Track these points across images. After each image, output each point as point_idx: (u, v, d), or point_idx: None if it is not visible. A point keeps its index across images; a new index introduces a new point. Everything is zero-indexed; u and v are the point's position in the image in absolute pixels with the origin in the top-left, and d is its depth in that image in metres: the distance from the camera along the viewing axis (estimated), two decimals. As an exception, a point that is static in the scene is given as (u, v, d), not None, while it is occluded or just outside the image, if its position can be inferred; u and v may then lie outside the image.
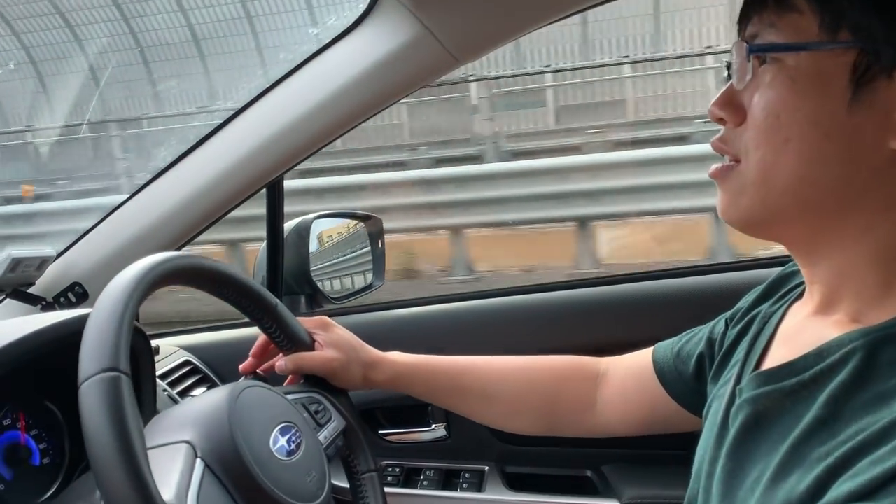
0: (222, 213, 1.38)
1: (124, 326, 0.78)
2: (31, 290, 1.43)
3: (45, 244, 1.43)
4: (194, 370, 1.43)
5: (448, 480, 1.53)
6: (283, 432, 0.95)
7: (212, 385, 1.51)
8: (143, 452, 0.72)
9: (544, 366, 1.18)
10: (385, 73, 1.20)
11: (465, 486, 1.50)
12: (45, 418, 1.16)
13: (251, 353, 1.16)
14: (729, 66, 0.75)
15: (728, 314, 0.99)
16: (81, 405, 0.73)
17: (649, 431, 1.12)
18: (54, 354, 1.05)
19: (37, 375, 1.12)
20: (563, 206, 6.35)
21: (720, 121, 0.76)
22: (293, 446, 0.94)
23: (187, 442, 0.85)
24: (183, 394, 1.35)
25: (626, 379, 1.13)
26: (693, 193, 5.81)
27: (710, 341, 1.00)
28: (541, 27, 1.22)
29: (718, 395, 0.86)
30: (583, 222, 6.34)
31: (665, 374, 1.06)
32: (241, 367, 1.15)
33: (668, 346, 1.09)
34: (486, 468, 1.52)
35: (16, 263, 1.36)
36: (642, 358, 1.11)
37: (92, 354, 0.75)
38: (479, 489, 1.50)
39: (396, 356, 1.18)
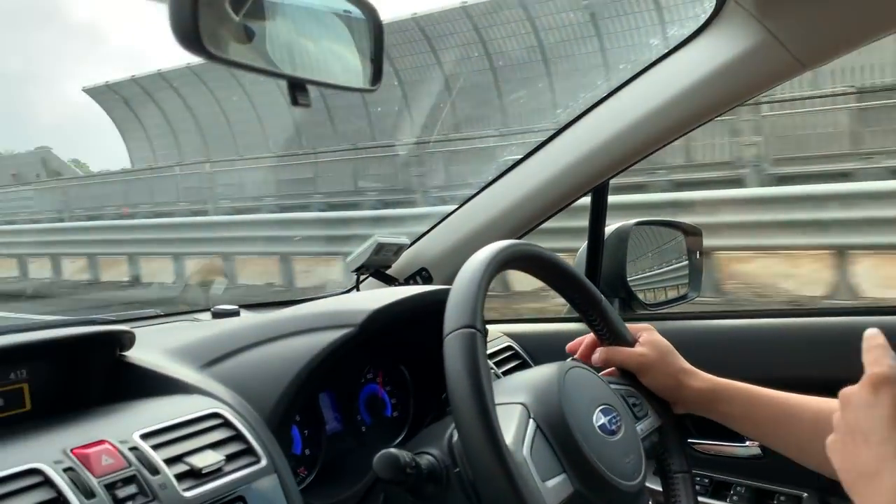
0: (554, 211, 1.50)
1: (481, 293, 0.91)
2: (388, 272, 1.69)
3: (402, 235, 1.69)
4: (515, 355, 1.57)
5: (760, 501, 1.47)
6: (604, 413, 1.01)
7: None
8: (492, 397, 0.84)
9: None
10: (726, 79, 1.21)
11: (779, 510, 1.43)
12: (397, 379, 1.36)
13: (584, 342, 1.23)
14: None
15: None
16: (445, 354, 0.87)
17: None
18: (408, 325, 1.24)
19: (392, 343, 1.32)
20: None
21: None
22: (614, 427, 1.01)
23: (522, 404, 0.96)
24: (505, 373, 1.49)
25: None
26: None
27: None
28: (891, 34, 1.14)
29: None
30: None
31: None
32: (568, 345, 1.24)
33: None
34: (805, 495, 1.43)
35: (380, 247, 1.62)
36: None
37: (455, 313, 0.89)
38: (795, 516, 1.42)
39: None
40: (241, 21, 0.70)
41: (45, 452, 0.79)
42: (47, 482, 0.75)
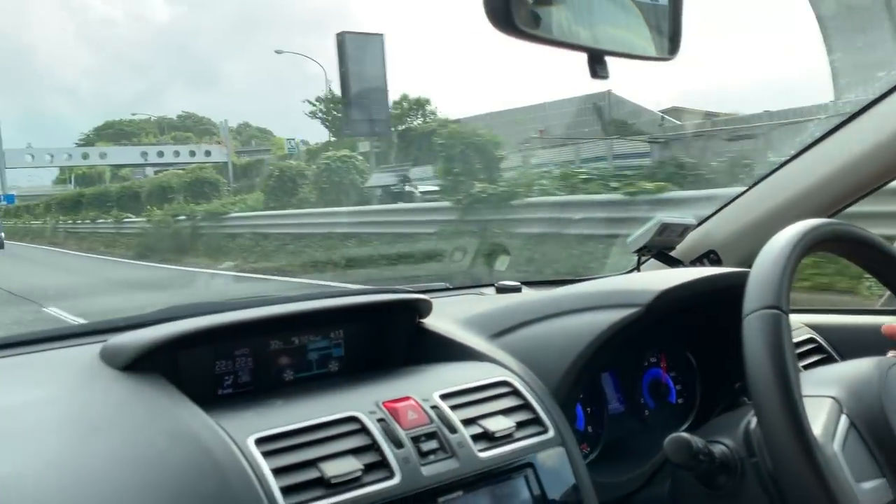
0: (866, 192, 1.33)
1: (787, 273, 0.83)
2: (672, 254, 1.62)
3: (689, 214, 1.61)
4: (818, 348, 1.42)
5: None
6: None
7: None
8: (798, 385, 0.77)
9: None
10: None
11: None
12: (682, 364, 1.31)
13: None
14: None
15: None
16: (745, 335, 0.81)
17: None
18: (698, 308, 1.18)
19: (678, 327, 1.27)
20: None
21: None
22: None
23: (833, 398, 0.87)
24: (807, 367, 1.36)
25: None
26: None
27: None
28: None
29: None
30: None
31: None
32: (884, 327, 1.10)
33: None
34: None
35: (664, 228, 1.56)
36: None
37: (757, 292, 0.83)
38: None
39: None
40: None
41: (360, 403, 0.88)
42: (363, 430, 0.84)
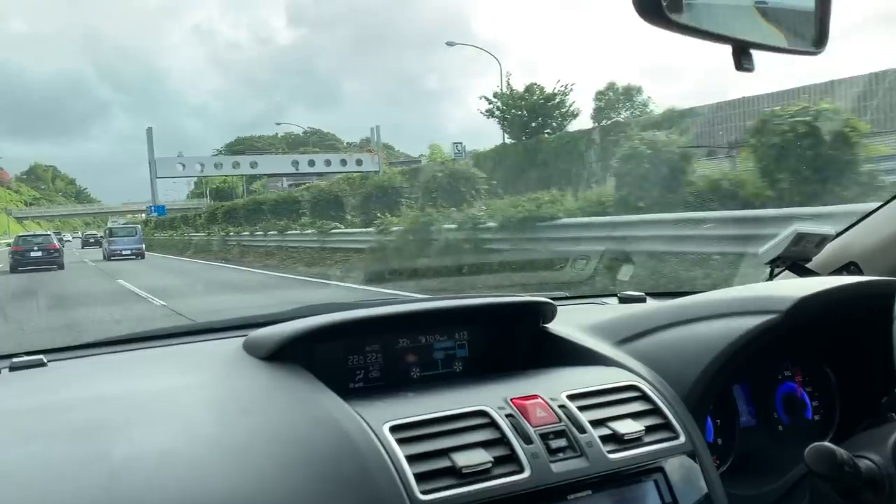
0: None
1: None
2: (808, 265, 1.54)
3: (827, 224, 1.52)
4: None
5: None
6: None
7: None
8: None
9: None
10: None
11: None
12: (819, 380, 1.24)
13: None
14: None
15: None
16: None
17: None
18: (839, 320, 1.12)
19: (816, 339, 1.20)
20: None
21: None
22: None
23: None
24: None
25: None
26: None
27: None
28: None
29: None
30: None
31: None
32: None
33: None
34: None
35: (799, 238, 1.48)
36: None
37: None
38: None
39: None
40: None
41: (489, 398, 0.90)
42: (492, 424, 0.85)
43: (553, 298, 1.59)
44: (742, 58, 0.70)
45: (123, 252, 23.62)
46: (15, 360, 1.05)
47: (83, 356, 1.15)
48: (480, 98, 27.51)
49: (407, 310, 1.09)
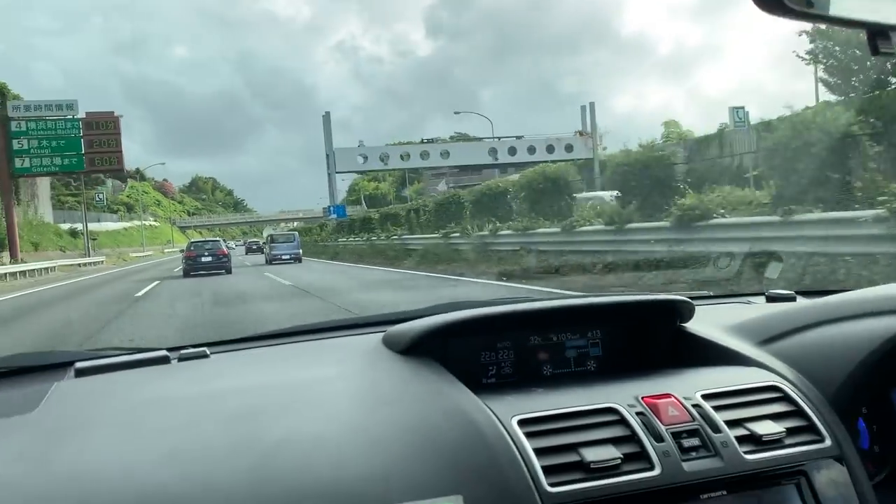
0: None
1: None
2: None
3: None
4: None
5: None
6: None
7: None
8: None
9: None
10: None
11: None
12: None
13: None
14: None
15: None
16: None
17: None
18: None
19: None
20: None
21: None
22: None
23: None
24: None
25: None
26: None
27: None
28: None
29: None
30: None
31: None
32: None
33: None
34: None
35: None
36: None
37: None
38: None
39: None
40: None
41: (619, 396, 0.90)
42: (622, 421, 0.85)
43: (696, 297, 1.54)
44: (878, 41, 0.65)
45: (283, 256, 25.12)
46: (183, 351, 1.17)
47: (240, 349, 1.26)
48: (800, 34, 22.03)
49: (537, 307, 1.11)
